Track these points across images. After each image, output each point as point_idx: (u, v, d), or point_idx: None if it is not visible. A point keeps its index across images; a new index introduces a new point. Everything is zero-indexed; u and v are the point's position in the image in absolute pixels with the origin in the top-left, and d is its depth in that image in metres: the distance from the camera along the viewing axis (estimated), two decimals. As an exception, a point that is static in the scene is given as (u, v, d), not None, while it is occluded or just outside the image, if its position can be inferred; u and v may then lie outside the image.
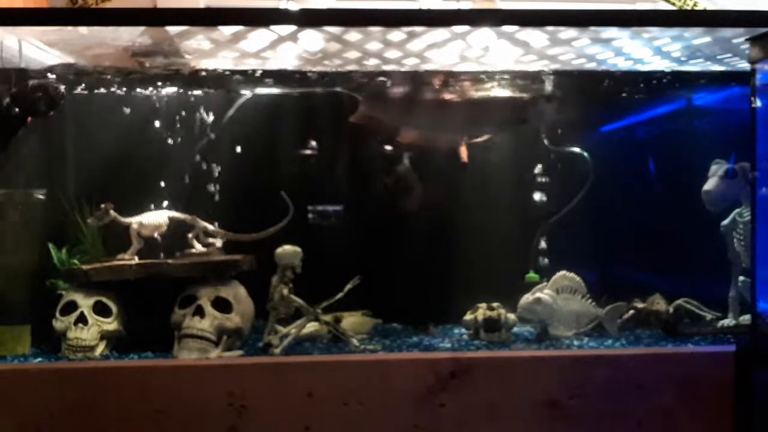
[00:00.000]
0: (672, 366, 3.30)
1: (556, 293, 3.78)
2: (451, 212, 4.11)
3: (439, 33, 3.31)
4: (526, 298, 3.76)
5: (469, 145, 4.07)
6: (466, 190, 4.11)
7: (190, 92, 4.05)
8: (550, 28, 3.27)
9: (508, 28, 3.27)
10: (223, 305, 3.51)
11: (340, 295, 3.69)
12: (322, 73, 3.75)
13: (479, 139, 4.10)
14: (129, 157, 3.96)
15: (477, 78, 3.85)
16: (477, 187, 4.11)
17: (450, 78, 3.86)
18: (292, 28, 3.25)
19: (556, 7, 3.25)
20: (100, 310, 3.52)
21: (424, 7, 3.51)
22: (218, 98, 4.07)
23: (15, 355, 3.45)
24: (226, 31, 3.29)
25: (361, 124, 4.00)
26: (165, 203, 3.91)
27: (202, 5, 3.89)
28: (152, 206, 3.88)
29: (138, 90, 4.01)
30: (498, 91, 4.02)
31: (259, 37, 3.32)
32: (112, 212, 3.65)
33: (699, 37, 3.39)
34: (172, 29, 3.25)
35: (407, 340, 3.78)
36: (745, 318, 3.69)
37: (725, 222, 3.81)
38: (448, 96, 4.04)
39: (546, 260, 4.09)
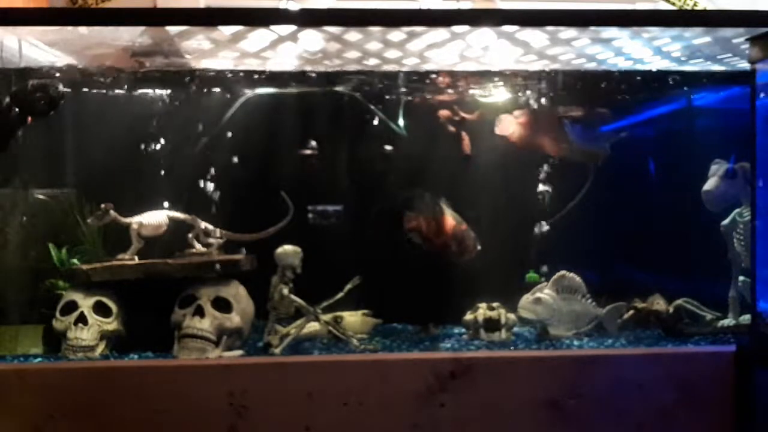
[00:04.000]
0: (672, 366, 3.30)
1: (556, 293, 3.78)
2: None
3: (439, 33, 3.31)
4: (526, 298, 3.76)
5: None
6: (467, 190, 4.11)
7: (190, 92, 4.05)
8: (550, 28, 3.27)
9: (508, 28, 3.27)
10: (223, 305, 3.51)
11: (340, 295, 3.69)
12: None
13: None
14: (129, 157, 3.96)
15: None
16: (477, 187, 4.11)
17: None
18: (292, 28, 3.25)
19: (556, 7, 3.25)
20: (100, 310, 3.52)
21: (424, 7, 3.52)
22: (219, 98, 4.07)
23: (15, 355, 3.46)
24: (226, 31, 3.29)
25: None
26: (165, 203, 3.91)
27: (202, 5, 3.89)
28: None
29: (138, 90, 4.01)
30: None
31: (259, 37, 3.32)
32: (112, 212, 3.65)
33: (699, 37, 3.39)
34: (172, 29, 3.25)
35: (407, 340, 3.78)
36: (745, 318, 3.69)
37: (725, 222, 3.80)
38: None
39: (545, 260, 4.09)
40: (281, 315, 3.62)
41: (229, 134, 4.04)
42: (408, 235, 3.92)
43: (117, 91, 3.98)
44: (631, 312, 3.89)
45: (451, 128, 4.13)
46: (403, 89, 4.04)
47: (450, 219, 3.90)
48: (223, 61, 3.64)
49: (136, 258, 3.68)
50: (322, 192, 4.16)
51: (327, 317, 3.74)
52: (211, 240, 3.85)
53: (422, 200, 3.94)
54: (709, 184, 3.77)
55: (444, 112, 4.13)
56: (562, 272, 3.82)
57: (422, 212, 3.92)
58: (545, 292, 3.77)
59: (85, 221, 3.73)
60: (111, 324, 3.52)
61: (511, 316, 3.80)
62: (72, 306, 3.51)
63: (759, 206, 3.34)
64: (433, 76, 3.91)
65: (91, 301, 3.52)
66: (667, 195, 4.11)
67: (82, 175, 3.98)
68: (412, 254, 4.02)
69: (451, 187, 4.09)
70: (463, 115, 4.12)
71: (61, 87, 3.44)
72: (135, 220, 3.72)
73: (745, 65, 3.41)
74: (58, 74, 3.59)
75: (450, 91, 4.10)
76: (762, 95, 3.29)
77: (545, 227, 4.10)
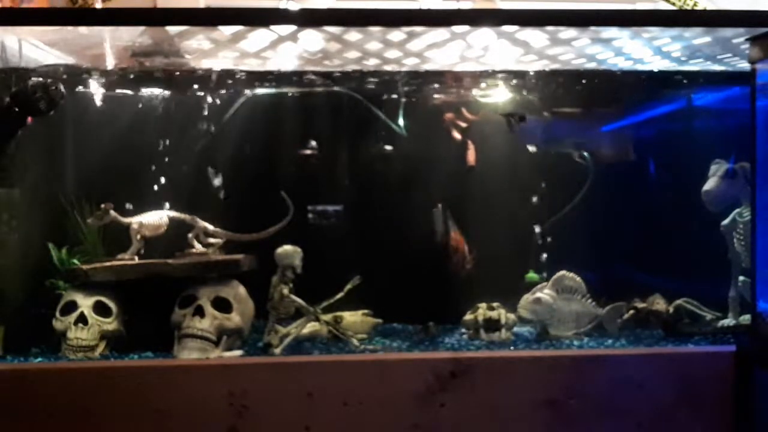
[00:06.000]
0: (672, 366, 3.30)
1: (556, 293, 3.78)
2: (452, 212, 4.11)
3: (439, 33, 3.31)
4: (526, 298, 3.76)
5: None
6: (467, 191, 4.11)
7: (190, 92, 4.05)
8: (550, 28, 3.27)
9: (508, 28, 3.27)
10: (223, 305, 3.51)
11: (340, 295, 3.69)
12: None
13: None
14: (129, 157, 3.97)
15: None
16: (477, 188, 4.12)
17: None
18: (292, 28, 3.25)
19: (556, 7, 3.25)
20: (100, 310, 3.52)
21: (424, 7, 3.51)
22: (219, 98, 4.07)
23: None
24: (226, 31, 3.29)
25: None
26: (165, 203, 3.91)
27: (202, 5, 3.89)
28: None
29: (138, 90, 4.01)
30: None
31: (259, 37, 3.32)
32: (112, 212, 3.65)
33: (699, 37, 3.39)
34: (172, 29, 3.25)
35: (407, 340, 3.78)
36: (745, 318, 3.69)
37: (725, 222, 3.80)
38: None
39: (546, 260, 4.09)
40: (281, 315, 3.62)
41: (230, 134, 4.05)
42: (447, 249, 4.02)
43: (116, 90, 3.98)
44: (631, 312, 3.89)
45: (457, 135, 4.13)
46: (403, 89, 4.04)
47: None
48: (223, 61, 3.64)
49: (136, 258, 3.68)
50: (322, 192, 4.16)
51: (327, 317, 3.74)
52: (211, 240, 3.85)
53: (449, 217, 4.01)
54: (709, 184, 3.77)
55: (449, 115, 4.14)
56: (562, 272, 3.82)
57: (455, 229, 3.98)
58: (545, 292, 3.76)
59: (85, 221, 3.73)
60: (111, 324, 3.52)
61: (511, 316, 3.79)
62: (72, 306, 3.51)
63: (759, 206, 3.35)
64: (434, 76, 3.91)
65: (91, 301, 3.52)
66: (667, 195, 4.11)
67: (82, 175, 3.99)
68: (411, 254, 4.05)
69: (451, 187, 4.11)
70: (467, 115, 4.13)
71: (61, 87, 3.44)
72: (135, 220, 3.72)
73: (745, 65, 3.41)
74: (57, 74, 3.59)
75: (451, 91, 4.10)
76: (762, 95, 3.29)
77: (545, 227, 4.11)
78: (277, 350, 3.48)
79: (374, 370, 3.25)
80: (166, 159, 4.02)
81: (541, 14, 3.21)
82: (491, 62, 3.68)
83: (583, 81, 3.96)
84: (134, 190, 3.94)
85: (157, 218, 3.77)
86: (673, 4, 3.47)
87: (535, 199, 4.13)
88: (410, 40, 3.38)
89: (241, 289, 3.66)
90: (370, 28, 3.25)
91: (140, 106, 4.03)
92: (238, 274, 3.70)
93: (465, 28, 3.26)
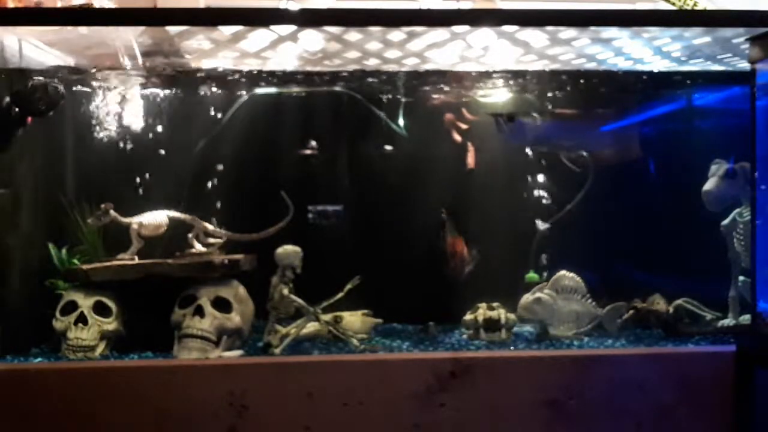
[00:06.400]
0: (672, 366, 3.30)
1: (556, 293, 3.78)
2: (452, 212, 4.11)
3: (439, 33, 3.31)
4: (526, 298, 3.76)
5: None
6: (467, 192, 4.11)
7: (189, 92, 4.05)
8: (550, 28, 3.27)
9: (508, 28, 3.28)
10: (223, 305, 3.51)
11: (340, 295, 3.69)
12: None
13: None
14: (129, 156, 3.97)
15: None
16: (477, 189, 4.12)
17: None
18: (292, 28, 3.25)
19: (556, 7, 3.25)
20: (100, 310, 3.52)
21: (424, 7, 3.52)
22: (218, 98, 4.07)
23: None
24: (226, 31, 3.29)
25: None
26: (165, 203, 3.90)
27: (202, 5, 3.89)
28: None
29: (137, 90, 4.01)
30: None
31: (259, 37, 3.32)
32: (112, 212, 3.65)
33: (699, 37, 3.39)
34: (172, 29, 3.25)
35: (407, 340, 3.78)
36: (745, 318, 3.69)
37: (725, 222, 3.80)
38: None
39: (546, 260, 4.09)
40: (281, 315, 3.62)
41: (229, 134, 4.05)
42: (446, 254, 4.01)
43: (116, 90, 3.98)
44: (631, 312, 3.89)
45: (457, 137, 4.13)
46: (404, 89, 4.04)
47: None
48: (223, 61, 3.64)
49: (136, 258, 3.68)
50: (322, 192, 4.16)
51: (327, 317, 3.74)
52: (211, 240, 3.85)
53: (452, 220, 4.01)
54: (709, 184, 3.77)
55: (449, 116, 4.14)
56: (562, 272, 3.82)
57: (455, 233, 3.98)
58: (545, 292, 3.77)
59: (85, 221, 3.73)
60: (111, 324, 3.52)
61: (511, 316, 3.80)
62: (72, 306, 3.51)
63: (759, 206, 3.35)
64: (434, 76, 3.90)
65: (91, 301, 3.52)
66: (667, 195, 4.11)
67: (81, 174, 3.99)
68: (412, 254, 4.05)
69: (451, 187, 4.11)
70: (467, 116, 4.13)
71: (61, 87, 3.44)
72: (135, 220, 3.72)
73: (745, 65, 3.41)
74: (57, 74, 3.59)
75: (451, 91, 4.10)
76: (762, 95, 3.29)
77: (545, 227, 4.11)
78: (277, 350, 3.48)
79: (374, 370, 3.25)
80: (166, 159, 4.02)
81: (541, 14, 3.21)
82: (491, 62, 3.68)
83: (583, 81, 3.96)
84: (134, 190, 3.94)
85: (157, 218, 3.76)
86: (673, 4, 3.46)
87: (535, 199, 4.13)
88: (410, 40, 3.38)
89: (241, 289, 3.66)
90: (370, 28, 3.25)
91: (140, 105, 4.03)
92: (238, 274, 3.70)
93: (465, 28, 3.26)
